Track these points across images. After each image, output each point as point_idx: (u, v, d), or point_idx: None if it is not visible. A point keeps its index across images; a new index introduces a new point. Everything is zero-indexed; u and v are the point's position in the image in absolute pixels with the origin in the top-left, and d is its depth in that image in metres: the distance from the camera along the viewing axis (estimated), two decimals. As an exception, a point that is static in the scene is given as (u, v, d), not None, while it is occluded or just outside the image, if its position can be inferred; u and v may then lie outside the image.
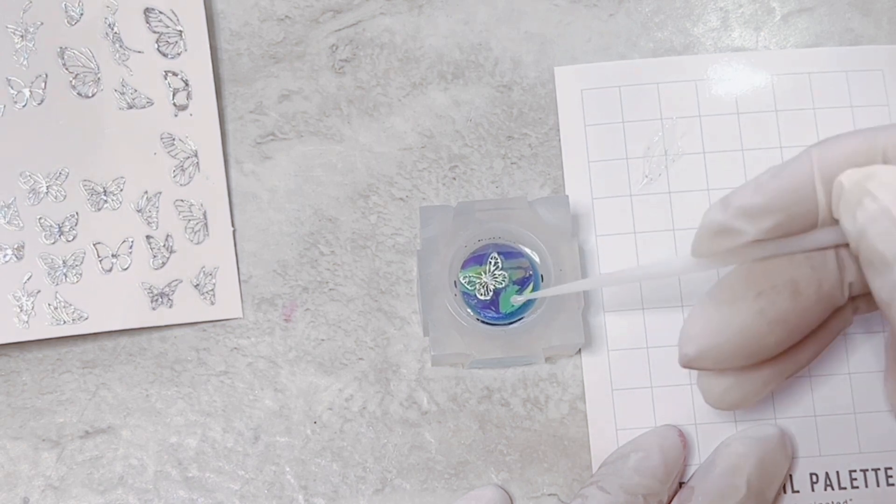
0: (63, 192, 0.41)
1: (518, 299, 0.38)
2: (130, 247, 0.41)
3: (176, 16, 0.42)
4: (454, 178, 0.42)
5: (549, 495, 0.40)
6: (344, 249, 0.42)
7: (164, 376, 0.41)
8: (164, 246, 0.41)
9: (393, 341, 0.41)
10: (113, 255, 0.41)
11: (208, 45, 0.42)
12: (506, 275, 0.39)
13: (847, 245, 0.32)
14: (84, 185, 0.41)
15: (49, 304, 0.40)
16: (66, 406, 0.40)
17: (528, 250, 0.39)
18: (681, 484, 0.39)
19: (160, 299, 0.41)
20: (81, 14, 0.41)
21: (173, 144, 0.42)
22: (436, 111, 0.43)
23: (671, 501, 0.38)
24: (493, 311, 0.39)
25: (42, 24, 0.41)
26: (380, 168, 0.42)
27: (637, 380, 0.40)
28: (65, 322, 0.40)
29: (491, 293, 0.39)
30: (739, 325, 0.33)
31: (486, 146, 0.42)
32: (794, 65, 0.43)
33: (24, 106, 0.40)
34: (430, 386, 0.41)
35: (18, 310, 0.40)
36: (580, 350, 0.41)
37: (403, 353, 0.41)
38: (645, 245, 0.41)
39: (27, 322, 0.40)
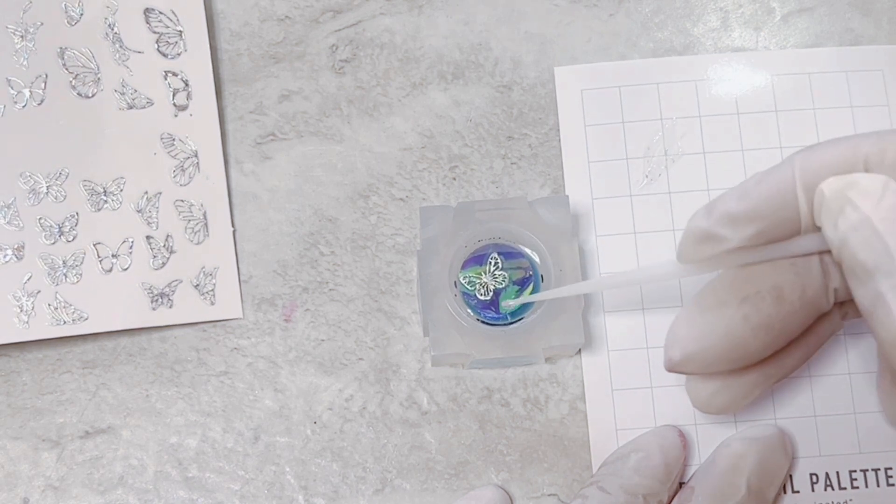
0: (63, 193, 0.41)
1: (509, 304, 0.38)
2: (130, 247, 0.41)
3: (176, 16, 0.42)
4: (454, 178, 0.42)
5: (549, 495, 0.40)
6: (344, 249, 0.42)
7: (164, 376, 0.41)
8: (164, 246, 0.41)
9: (393, 341, 0.41)
10: (113, 256, 0.41)
11: (208, 45, 0.42)
12: (506, 275, 0.39)
13: (831, 251, 0.32)
14: (84, 186, 0.41)
15: (49, 305, 0.40)
16: (66, 406, 0.40)
17: (528, 250, 0.39)
18: (681, 484, 0.39)
19: (160, 299, 0.41)
20: (81, 14, 0.41)
21: (173, 144, 0.42)
22: (436, 111, 0.43)
23: (671, 501, 0.38)
24: (493, 311, 0.39)
25: (42, 24, 0.41)
26: (380, 168, 0.42)
27: (637, 380, 0.40)
28: (65, 322, 0.40)
29: (491, 293, 0.39)
30: (724, 330, 0.33)
31: (486, 146, 0.42)
32: (794, 65, 0.43)
33: (24, 106, 0.40)
34: (430, 386, 0.41)
35: (18, 310, 0.40)
36: (580, 350, 0.41)
37: (403, 353, 0.41)
38: (645, 245, 0.41)
39: (27, 322, 0.40)
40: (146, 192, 0.41)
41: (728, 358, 0.34)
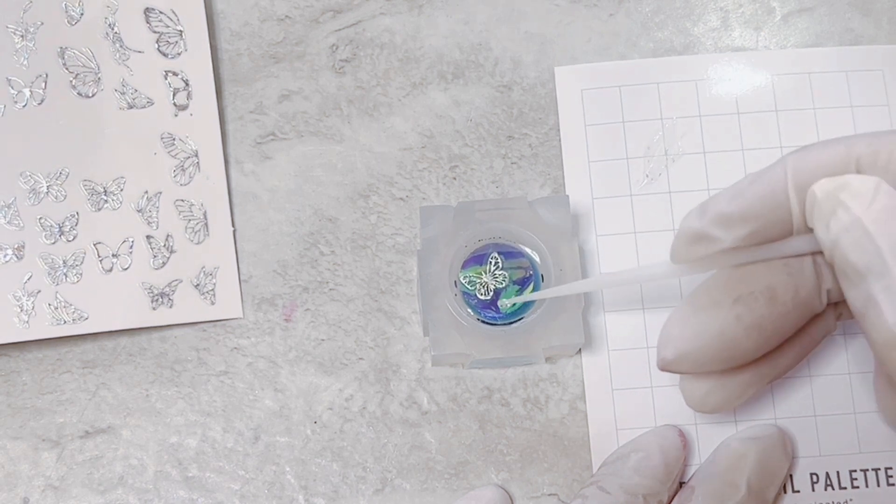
0: (63, 192, 0.41)
1: (506, 303, 0.38)
2: (130, 247, 0.41)
3: (176, 16, 0.42)
4: (454, 178, 0.42)
5: (549, 495, 0.40)
6: (344, 249, 0.42)
7: (164, 376, 0.41)
8: (164, 246, 0.41)
9: (393, 341, 0.41)
10: (113, 255, 0.41)
11: (208, 45, 0.42)
12: (506, 275, 0.39)
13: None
14: (84, 185, 0.41)
15: (49, 304, 0.40)
16: (66, 406, 0.40)
17: (528, 250, 0.39)
18: (681, 484, 0.39)
19: (160, 299, 0.41)
20: (81, 14, 0.41)
21: (173, 144, 0.42)
22: (436, 111, 0.43)
23: (671, 501, 0.38)
24: (494, 311, 0.39)
25: (42, 24, 0.41)
26: (380, 168, 0.42)
27: (637, 380, 0.40)
28: (65, 322, 0.40)
29: (491, 293, 0.39)
30: (717, 330, 0.33)
31: (486, 146, 0.42)
32: (794, 65, 0.43)
33: (24, 106, 0.40)
34: (430, 386, 0.41)
35: (18, 310, 0.40)
36: (580, 350, 0.41)
37: (403, 353, 0.41)
38: (645, 245, 0.41)
39: (27, 322, 0.40)
40: (146, 192, 0.41)
41: (721, 358, 0.34)
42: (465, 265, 0.39)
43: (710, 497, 0.37)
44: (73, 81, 0.41)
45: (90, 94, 0.41)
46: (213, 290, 0.41)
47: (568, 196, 0.40)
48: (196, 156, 0.42)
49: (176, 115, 0.42)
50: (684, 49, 0.43)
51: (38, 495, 0.40)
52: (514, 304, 0.39)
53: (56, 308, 0.40)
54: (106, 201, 0.41)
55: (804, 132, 0.42)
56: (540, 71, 0.43)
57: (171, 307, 0.41)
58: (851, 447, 0.40)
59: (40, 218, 0.41)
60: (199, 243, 0.42)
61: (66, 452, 0.40)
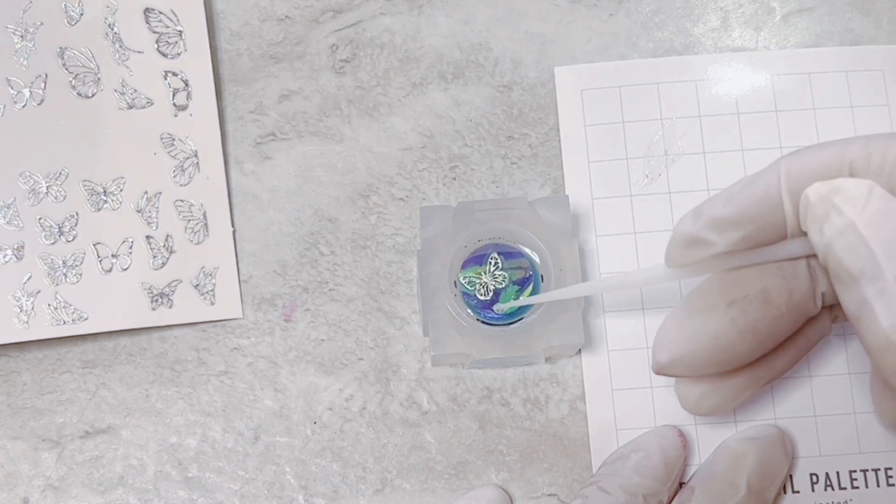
0: (63, 193, 0.41)
1: (502, 307, 0.38)
2: (130, 247, 0.41)
3: (176, 16, 0.42)
4: (454, 178, 0.42)
5: (549, 495, 0.40)
6: (344, 249, 0.42)
7: (164, 376, 0.41)
8: (164, 246, 0.41)
9: (393, 341, 0.41)
10: (113, 256, 0.41)
11: (208, 45, 0.42)
12: (506, 275, 0.39)
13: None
14: (84, 185, 0.41)
15: (49, 305, 0.40)
16: (66, 406, 0.40)
17: (528, 250, 0.39)
18: (681, 484, 0.39)
19: (160, 299, 0.41)
20: (81, 14, 0.41)
21: (173, 144, 0.42)
22: (436, 111, 0.43)
23: (671, 501, 0.38)
24: (493, 311, 0.39)
25: (42, 24, 0.41)
26: (380, 168, 0.42)
27: (637, 380, 0.40)
28: (65, 322, 0.40)
29: (491, 293, 0.39)
30: (711, 333, 0.34)
31: (486, 146, 0.42)
32: (794, 65, 0.43)
33: (24, 106, 0.40)
34: (430, 386, 0.41)
35: (18, 310, 0.40)
36: (580, 350, 0.41)
37: (403, 353, 0.41)
38: (645, 245, 0.41)
39: (27, 322, 0.40)
40: (146, 192, 0.41)
41: (715, 361, 0.34)
42: (464, 265, 0.39)
43: (710, 497, 0.37)
44: (73, 81, 0.41)
45: (90, 95, 0.41)
46: (212, 290, 0.41)
47: (568, 196, 0.40)
48: (196, 156, 0.42)
49: (176, 116, 0.42)
50: (684, 49, 0.43)
51: (38, 495, 0.40)
52: (511, 308, 0.39)
53: (56, 308, 0.40)
54: (105, 201, 0.41)
55: (804, 132, 0.42)
56: (540, 71, 0.43)
57: (170, 307, 0.41)
58: (851, 447, 0.40)
59: (40, 218, 0.41)
60: (198, 243, 0.42)
61: (66, 452, 0.40)
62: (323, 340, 0.41)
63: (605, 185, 0.42)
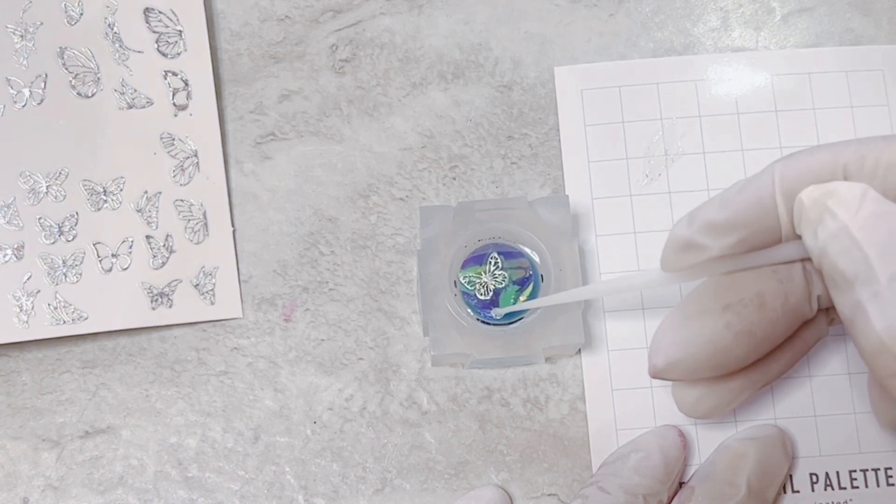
0: (63, 192, 0.41)
1: (499, 311, 0.38)
2: (130, 247, 0.41)
3: (176, 16, 0.42)
4: (454, 178, 0.42)
5: (549, 495, 0.40)
6: (344, 249, 0.42)
7: (164, 376, 0.41)
8: (164, 246, 0.41)
9: (393, 341, 0.41)
10: (113, 255, 0.41)
11: (208, 45, 0.42)
12: (506, 275, 0.39)
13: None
14: (84, 185, 0.41)
15: (49, 304, 0.40)
16: (66, 406, 0.41)
17: (528, 250, 0.39)
18: (681, 484, 0.39)
19: (160, 299, 0.41)
20: (81, 14, 0.41)
21: (173, 144, 0.42)
22: (436, 111, 0.43)
23: (671, 501, 0.38)
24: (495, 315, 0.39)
25: (42, 24, 0.41)
26: (380, 168, 0.42)
27: (637, 380, 0.40)
28: (65, 322, 0.40)
29: (491, 293, 0.39)
30: (707, 337, 0.34)
31: (486, 146, 0.42)
32: (794, 65, 0.43)
33: (24, 106, 0.40)
34: (430, 386, 0.41)
35: (18, 310, 0.40)
36: (580, 350, 0.41)
37: (403, 353, 0.41)
38: (645, 245, 0.41)
39: (27, 322, 0.40)
40: (146, 192, 0.41)
41: (711, 365, 0.34)
42: (464, 265, 0.39)
43: (710, 497, 0.37)
44: (73, 81, 0.41)
45: (90, 94, 0.41)
46: (212, 290, 0.41)
47: (568, 196, 0.40)
48: (196, 156, 0.42)
49: (175, 115, 0.42)
50: (684, 49, 0.43)
51: (38, 495, 0.40)
52: (499, 315, 0.39)
53: (56, 308, 0.40)
54: (105, 201, 0.41)
55: (804, 132, 0.42)
56: (540, 71, 0.43)
57: (170, 307, 0.41)
58: (851, 447, 0.40)
59: (40, 218, 0.41)
60: (198, 243, 0.42)
61: (65, 452, 0.40)
62: (323, 340, 0.41)
63: (605, 185, 0.42)
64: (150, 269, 0.41)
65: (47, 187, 0.41)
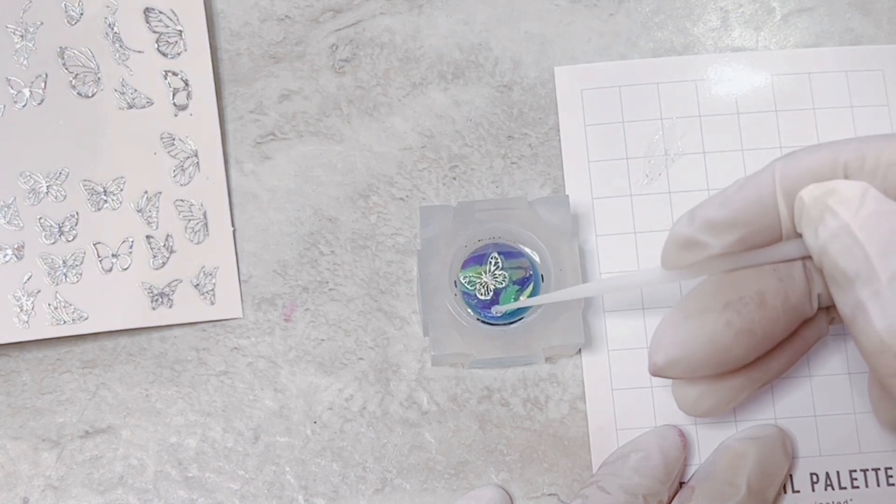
0: (63, 192, 0.41)
1: (500, 309, 0.38)
2: (130, 247, 0.41)
3: (176, 16, 0.42)
4: (454, 178, 0.42)
5: (549, 495, 0.40)
6: (344, 249, 0.42)
7: (164, 376, 0.41)
8: (164, 246, 0.41)
9: (393, 341, 0.41)
10: (113, 255, 0.41)
11: (208, 45, 0.42)
12: (506, 275, 0.39)
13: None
14: (84, 185, 0.41)
15: (49, 304, 0.40)
16: (66, 406, 0.41)
17: (528, 250, 0.39)
18: (681, 484, 0.39)
19: (160, 299, 0.41)
20: (81, 14, 0.41)
21: (173, 144, 0.42)
22: (436, 111, 0.43)
23: (671, 501, 0.38)
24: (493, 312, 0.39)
25: (42, 23, 0.41)
26: (380, 168, 0.42)
27: (637, 380, 0.40)
28: (65, 322, 0.40)
29: (491, 293, 0.39)
30: (707, 335, 0.34)
31: (486, 146, 0.42)
32: (794, 65, 0.43)
33: (24, 106, 0.40)
34: (430, 386, 0.41)
35: (18, 310, 0.40)
36: (580, 350, 0.41)
37: (403, 353, 0.41)
38: (645, 245, 0.41)
39: (27, 322, 0.40)
40: (146, 192, 0.41)
41: (711, 363, 0.34)
42: (465, 265, 0.39)
43: (710, 497, 0.37)
44: (73, 81, 0.41)
45: (90, 94, 0.41)
46: (212, 290, 0.41)
47: (568, 196, 0.40)
48: (196, 156, 0.42)
49: (176, 115, 0.42)
50: (684, 49, 0.43)
51: (38, 495, 0.40)
52: (509, 310, 0.39)
53: (56, 308, 0.40)
54: (106, 201, 0.41)
55: (804, 132, 0.42)
56: (540, 71, 0.43)
57: (170, 307, 0.41)
58: (851, 447, 0.40)
59: (40, 218, 0.41)
60: (198, 243, 0.42)
61: (66, 452, 0.40)
62: (323, 340, 0.41)
63: (605, 185, 0.42)
64: (150, 269, 0.41)
65: (47, 187, 0.41)
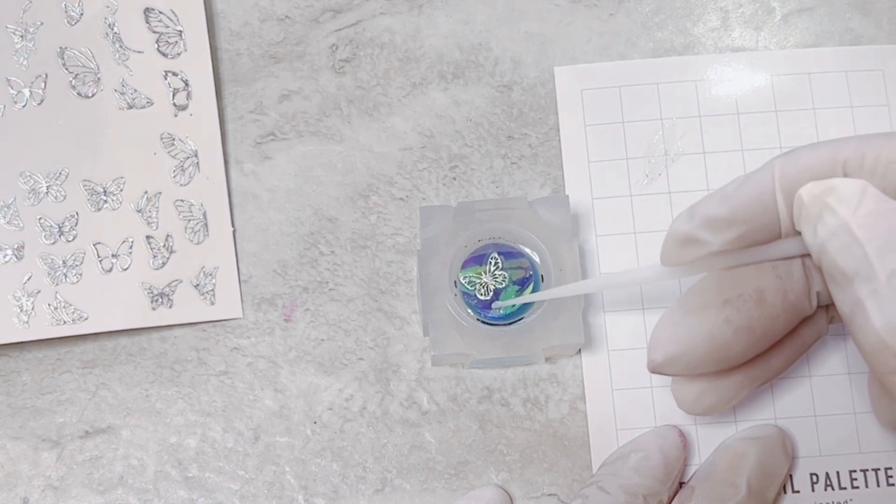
0: (63, 192, 0.41)
1: (500, 305, 0.38)
2: (130, 247, 0.41)
3: (176, 16, 0.42)
4: (454, 178, 0.42)
5: (549, 495, 0.40)
6: (344, 249, 0.42)
7: (164, 376, 0.41)
8: (164, 246, 0.41)
9: (393, 341, 0.41)
10: (113, 255, 0.41)
11: (208, 45, 0.42)
12: (506, 275, 0.39)
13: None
14: (84, 185, 0.41)
15: (49, 304, 0.40)
16: (66, 406, 0.41)
17: (528, 250, 0.39)
18: (681, 484, 0.39)
19: (160, 299, 0.41)
20: (81, 14, 0.41)
21: (173, 144, 0.42)
22: (436, 111, 0.43)
23: (671, 501, 0.38)
24: (493, 310, 0.39)
25: (42, 24, 0.41)
26: (380, 168, 0.42)
27: (637, 380, 0.40)
28: (65, 322, 0.40)
29: (491, 293, 0.39)
30: (707, 332, 0.34)
31: (486, 146, 0.42)
32: (794, 65, 0.43)
33: (24, 106, 0.40)
34: (430, 386, 0.41)
35: (18, 310, 0.40)
36: (580, 350, 0.41)
37: (403, 353, 0.41)
38: (645, 245, 0.41)
39: (27, 322, 0.40)
40: (146, 192, 0.41)
41: (710, 360, 0.34)
42: (465, 265, 0.39)
43: (710, 497, 0.37)
44: (73, 81, 0.41)
45: (90, 95, 0.41)
46: (212, 290, 0.41)
47: (568, 196, 0.40)
48: (196, 156, 0.42)
49: (176, 116, 0.42)
50: (684, 49, 0.43)
51: (38, 495, 0.40)
52: (504, 309, 0.39)
53: (56, 308, 0.40)
54: (105, 201, 0.41)
55: (804, 132, 0.42)
56: (540, 71, 0.43)
57: (170, 307, 0.41)
58: (851, 447, 0.40)
59: (40, 218, 0.41)
60: (198, 243, 0.42)
61: (66, 452, 0.40)
62: (323, 340, 0.41)
63: (605, 185, 0.42)
64: (150, 270, 0.41)
65: (47, 187, 0.41)
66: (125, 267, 0.41)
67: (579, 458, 0.40)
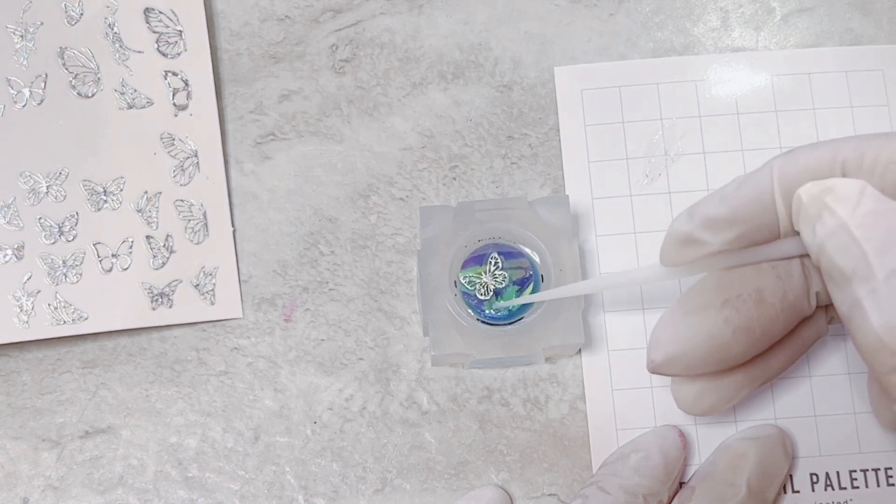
0: (63, 192, 0.41)
1: (499, 305, 0.38)
2: (130, 247, 0.41)
3: (176, 16, 0.42)
4: (454, 178, 0.42)
5: (549, 495, 0.40)
6: (344, 249, 0.42)
7: (164, 376, 0.41)
8: (164, 246, 0.41)
9: (393, 341, 0.41)
10: (113, 255, 0.41)
11: (208, 45, 0.42)
12: (506, 275, 0.39)
13: None
14: (84, 185, 0.41)
15: (49, 304, 0.40)
16: (66, 406, 0.41)
17: (528, 250, 0.39)
18: (681, 484, 0.39)
19: (160, 299, 0.41)
20: (81, 14, 0.41)
21: (173, 144, 0.42)
22: (436, 111, 0.43)
23: (671, 501, 0.38)
24: (494, 310, 0.39)
25: (42, 24, 0.41)
26: (380, 168, 0.42)
27: (637, 380, 0.40)
28: (65, 322, 0.40)
29: (491, 293, 0.39)
30: (706, 332, 0.34)
31: (486, 146, 0.42)
32: (794, 65, 0.43)
33: (24, 106, 0.40)
34: (430, 386, 0.41)
35: (18, 310, 0.40)
36: (580, 350, 0.41)
37: (403, 353, 0.41)
38: (645, 245, 0.41)
39: (27, 322, 0.40)
40: (146, 192, 0.41)
41: (710, 360, 0.34)
42: (464, 265, 0.39)
43: (710, 497, 0.37)
44: (73, 81, 0.41)
45: (90, 94, 0.41)
46: (212, 290, 0.41)
47: (568, 196, 0.40)
48: (196, 156, 0.42)
49: (176, 115, 0.42)
50: (684, 49, 0.43)
51: (38, 495, 0.40)
52: (503, 309, 0.39)
53: (56, 308, 0.40)
54: (105, 201, 0.41)
55: (804, 132, 0.42)
56: (540, 71, 0.43)
57: (170, 307, 0.41)
58: (851, 447, 0.40)
59: (40, 218, 0.41)
60: (198, 243, 0.42)
61: (66, 452, 0.40)
62: (323, 340, 0.41)
63: (605, 185, 0.42)
64: (150, 270, 0.41)
65: (47, 187, 0.41)
66: (125, 267, 0.41)
67: (579, 458, 0.40)
